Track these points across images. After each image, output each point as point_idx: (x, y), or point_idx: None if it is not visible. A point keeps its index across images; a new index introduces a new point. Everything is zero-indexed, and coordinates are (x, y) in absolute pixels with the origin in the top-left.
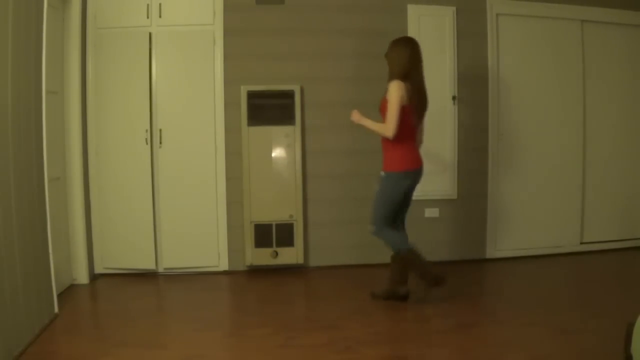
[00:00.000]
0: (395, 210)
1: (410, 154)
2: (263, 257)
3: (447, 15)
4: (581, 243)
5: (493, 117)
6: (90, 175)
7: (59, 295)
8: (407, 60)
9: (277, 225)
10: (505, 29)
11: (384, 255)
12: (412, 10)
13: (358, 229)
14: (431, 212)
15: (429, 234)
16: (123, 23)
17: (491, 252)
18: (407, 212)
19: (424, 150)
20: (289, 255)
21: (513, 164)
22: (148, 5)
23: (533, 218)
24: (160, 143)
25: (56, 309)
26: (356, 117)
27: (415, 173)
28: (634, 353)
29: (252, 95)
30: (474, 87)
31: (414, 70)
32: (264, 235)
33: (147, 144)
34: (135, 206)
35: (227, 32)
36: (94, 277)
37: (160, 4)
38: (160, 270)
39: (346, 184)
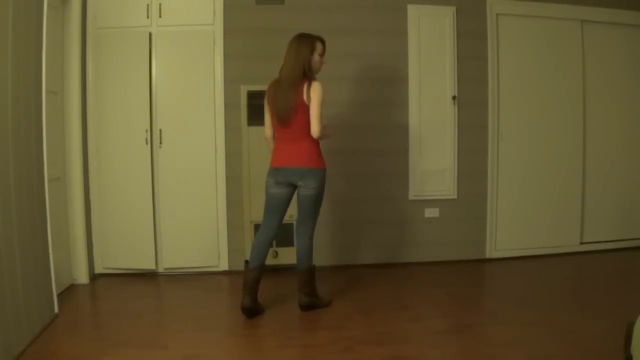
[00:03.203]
0: (269, 211)
1: (274, 154)
2: None
3: (447, 15)
4: (581, 243)
5: (493, 117)
6: (90, 175)
7: (59, 295)
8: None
9: None
10: (505, 29)
11: (384, 255)
12: (412, 10)
13: (358, 229)
14: (431, 212)
15: (429, 234)
16: (123, 23)
17: (491, 252)
18: (298, 223)
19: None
20: (289, 255)
21: (513, 164)
22: (148, 5)
23: (533, 218)
24: (160, 143)
25: (56, 309)
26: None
27: (274, 171)
28: (634, 353)
29: (252, 95)
30: (474, 87)
31: (282, 69)
32: None
33: (147, 144)
34: (135, 206)
35: (227, 32)
36: (94, 277)
37: (160, 4)
38: (160, 270)
39: (346, 183)
